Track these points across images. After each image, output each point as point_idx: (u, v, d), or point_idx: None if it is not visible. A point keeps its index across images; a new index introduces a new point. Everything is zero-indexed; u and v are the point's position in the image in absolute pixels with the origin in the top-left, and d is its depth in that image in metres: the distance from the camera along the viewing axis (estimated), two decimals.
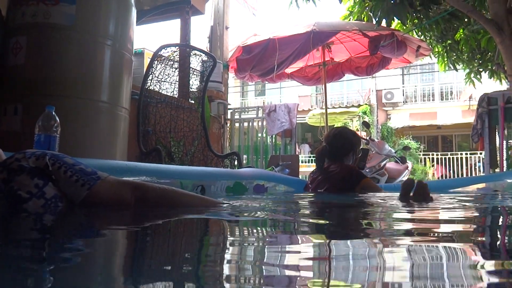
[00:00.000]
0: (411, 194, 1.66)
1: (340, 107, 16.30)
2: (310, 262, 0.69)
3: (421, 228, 1.11)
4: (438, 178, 13.10)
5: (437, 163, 13.93)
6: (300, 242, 0.88)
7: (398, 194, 1.72)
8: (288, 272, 0.60)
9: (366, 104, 16.18)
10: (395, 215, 1.47)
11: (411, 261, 0.67)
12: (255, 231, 1.06)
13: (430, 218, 1.37)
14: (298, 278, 0.57)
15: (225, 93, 6.63)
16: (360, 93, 17.33)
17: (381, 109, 16.33)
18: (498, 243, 0.91)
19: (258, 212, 1.48)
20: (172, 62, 4.44)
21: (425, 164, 14.09)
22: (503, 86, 7.01)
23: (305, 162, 13.54)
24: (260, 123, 7.39)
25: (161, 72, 4.32)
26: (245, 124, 7.65)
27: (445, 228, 1.12)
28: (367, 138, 6.56)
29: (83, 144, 2.70)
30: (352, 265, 0.65)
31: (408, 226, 1.18)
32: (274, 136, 7.28)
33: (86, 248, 0.81)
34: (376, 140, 6.91)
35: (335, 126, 5.28)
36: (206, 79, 4.63)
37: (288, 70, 7.54)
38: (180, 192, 1.48)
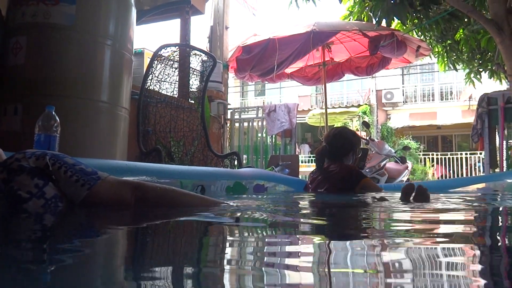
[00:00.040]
0: (411, 198, 1.68)
1: (340, 107, 16.30)
2: (310, 263, 0.69)
3: (421, 228, 1.11)
4: (438, 178, 13.10)
5: (437, 163, 13.93)
6: (299, 243, 0.88)
7: (398, 194, 1.72)
8: (288, 272, 0.60)
9: (366, 104, 16.19)
10: (395, 215, 1.47)
11: (411, 261, 0.67)
12: (255, 231, 1.06)
13: (430, 218, 1.37)
14: (298, 278, 0.57)
15: (225, 93, 6.63)
16: (360, 93, 17.33)
17: (381, 109, 16.33)
18: (498, 243, 0.91)
19: (258, 212, 1.48)
20: (172, 62, 4.43)
21: (425, 164, 14.09)
22: (503, 86, 7.02)
23: (305, 162, 13.54)
24: (260, 123, 7.40)
25: (161, 72, 4.32)
26: (245, 124, 7.65)
27: (445, 228, 1.13)
28: (367, 138, 6.57)
29: (83, 144, 2.70)
30: (352, 266, 0.65)
31: (408, 226, 1.18)
32: (274, 136, 7.28)
33: (86, 248, 0.81)
34: (376, 140, 6.91)
35: (335, 126, 5.28)
36: (206, 79, 4.63)
37: (288, 70, 7.55)
38: (180, 192, 1.48)
